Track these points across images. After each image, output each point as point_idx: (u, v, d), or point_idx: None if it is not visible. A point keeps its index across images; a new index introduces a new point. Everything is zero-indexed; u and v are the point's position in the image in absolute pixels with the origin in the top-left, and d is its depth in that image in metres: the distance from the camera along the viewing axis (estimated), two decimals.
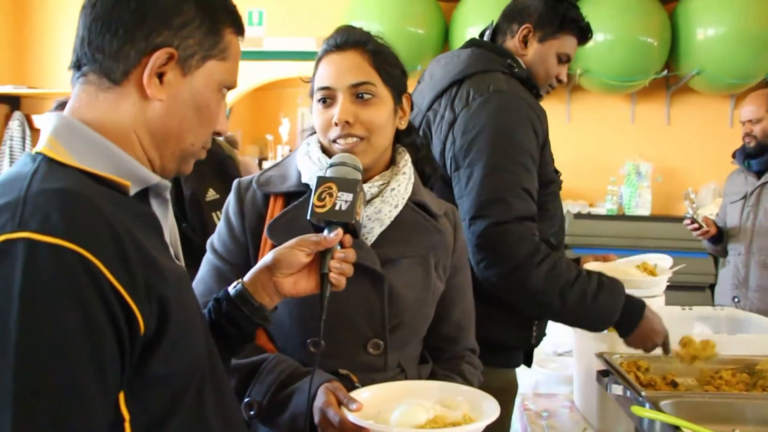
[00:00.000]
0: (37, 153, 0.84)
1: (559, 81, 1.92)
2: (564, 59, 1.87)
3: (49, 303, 0.71)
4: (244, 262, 1.28)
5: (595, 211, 4.50)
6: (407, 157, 1.36)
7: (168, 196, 0.94)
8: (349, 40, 1.29)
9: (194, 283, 1.29)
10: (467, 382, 1.34)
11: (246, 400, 1.19)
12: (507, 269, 1.58)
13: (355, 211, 1.10)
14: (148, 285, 0.78)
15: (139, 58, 0.86)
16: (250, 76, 4.88)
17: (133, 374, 0.79)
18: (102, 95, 0.87)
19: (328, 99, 1.28)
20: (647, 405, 1.25)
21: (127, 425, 0.78)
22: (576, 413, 1.87)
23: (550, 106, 4.66)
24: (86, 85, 0.88)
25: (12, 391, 0.69)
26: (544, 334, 2.07)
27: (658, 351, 1.61)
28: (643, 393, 1.29)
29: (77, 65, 0.89)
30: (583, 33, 1.88)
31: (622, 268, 1.93)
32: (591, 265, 1.82)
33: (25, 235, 0.72)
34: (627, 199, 4.47)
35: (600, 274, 1.65)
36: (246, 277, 1.10)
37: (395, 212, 1.29)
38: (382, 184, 1.30)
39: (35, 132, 4.94)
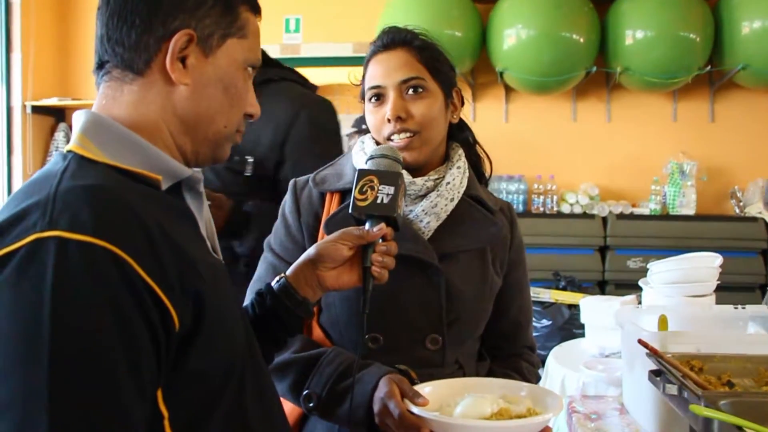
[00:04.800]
0: (68, 151, 0.84)
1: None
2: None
3: (81, 302, 0.70)
4: None
5: (638, 211, 4.42)
6: (461, 152, 1.38)
7: (201, 189, 0.93)
8: (395, 39, 1.32)
9: (251, 283, 1.32)
10: (526, 380, 1.34)
11: (305, 392, 1.20)
12: None
13: (397, 204, 1.11)
14: (182, 280, 0.77)
15: (159, 45, 0.87)
16: None
17: (171, 371, 0.78)
18: (127, 88, 0.88)
19: (379, 97, 1.30)
20: (704, 404, 1.21)
21: (166, 422, 0.77)
22: (626, 416, 1.83)
23: (590, 105, 4.65)
24: (110, 81, 0.89)
25: (47, 396, 0.68)
26: None
27: (711, 350, 1.56)
28: (700, 392, 1.25)
29: (99, 65, 0.89)
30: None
31: None
32: None
33: (55, 233, 0.72)
34: (671, 199, 4.38)
35: None
36: (289, 271, 1.11)
37: (451, 206, 1.31)
38: (438, 178, 1.31)
39: None
